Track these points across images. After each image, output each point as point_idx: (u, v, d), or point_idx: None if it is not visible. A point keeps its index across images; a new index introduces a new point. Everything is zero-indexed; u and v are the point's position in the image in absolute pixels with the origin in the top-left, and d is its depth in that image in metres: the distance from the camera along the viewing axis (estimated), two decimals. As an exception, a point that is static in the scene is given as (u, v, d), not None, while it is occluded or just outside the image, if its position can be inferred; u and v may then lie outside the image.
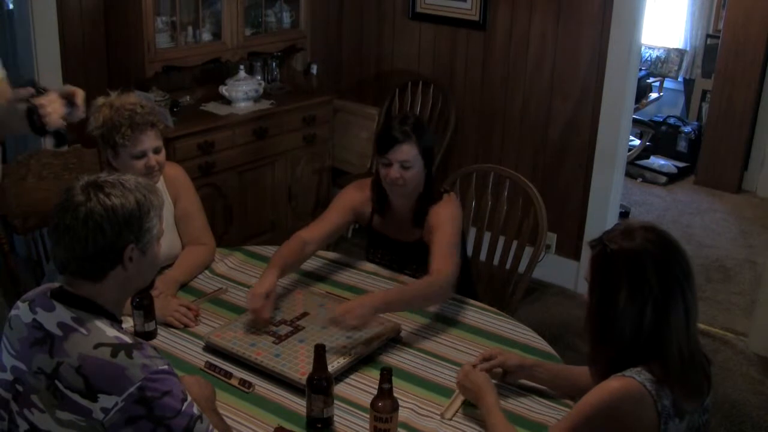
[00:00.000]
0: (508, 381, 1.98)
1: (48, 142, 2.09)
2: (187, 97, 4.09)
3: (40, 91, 1.98)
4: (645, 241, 1.57)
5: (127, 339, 1.49)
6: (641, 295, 1.54)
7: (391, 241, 2.60)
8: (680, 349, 1.55)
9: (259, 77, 4.30)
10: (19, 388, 1.52)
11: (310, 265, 2.61)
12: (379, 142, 2.47)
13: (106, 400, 1.41)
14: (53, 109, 1.97)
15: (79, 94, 2.06)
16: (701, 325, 3.84)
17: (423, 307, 2.33)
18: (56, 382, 1.45)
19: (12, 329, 1.57)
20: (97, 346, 1.46)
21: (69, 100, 2.03)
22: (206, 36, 3.98)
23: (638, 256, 1.55)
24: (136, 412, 1.42)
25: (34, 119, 1.94)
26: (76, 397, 1.43)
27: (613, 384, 1.52)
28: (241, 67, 4.13)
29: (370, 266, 2.63)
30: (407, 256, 2.58)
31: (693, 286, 1.58)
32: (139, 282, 1.63)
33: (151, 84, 3.83)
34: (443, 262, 2.30)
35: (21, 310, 1.57)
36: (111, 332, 1.49)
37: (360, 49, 4.72)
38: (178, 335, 2.19)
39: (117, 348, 1.45)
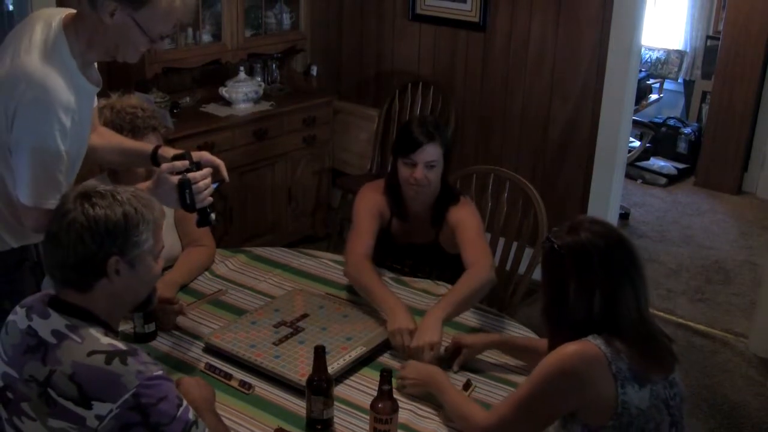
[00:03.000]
0: (469, 357, 2.07)
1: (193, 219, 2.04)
2: (187, 99, 4.09)
3: (194, 165, 1.93)
4: (590, 233, 1.63)
5: (122, 346, 1.48)
6: (589, 285, 1.61)
7: (405, 245, 2.60)
8: (634, 325, 1.62)
9: (259, 78, 4.31)
10: (9, 395, 1.51)
11: (309, 265, 2.61)
12: (402, 144, 2.46)
13: (100, 408, 1.40)
14: (205, 184, 1.93)
15: (223, 166, 2.03)
16: (701, 326, 3.84)
17: (478, 300, 2.33)
18: (49, 390, 1.44)
19: (7, 335, 1.56)
20: (90, 353, 1.44)
21: (215, 172, 1.99)
22: (206, 37, 3.98)
23: (583, 248, 1.62)
24: (131, 419, 1.41)
25: (186, 194, 1.89)
26: (69, 404, 1.42)
27: (569, 347, 1.59)
28: (241, 68, 4.13)
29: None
30: (422, 258, 2.60)
31: (641, 271, 1.65)
32: (131, 296, 1.61)
33: (151, 85, 3.83)
34: (478, 252, 2.34)
35: (18, 316, 1.56)
36: (105, 340, 1.48)
37: (360, 50, 4.72)
38: (178, 336, 2.19)
39: (111, 355, 1.44)
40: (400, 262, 2.63)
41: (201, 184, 1.92)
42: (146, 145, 2.15)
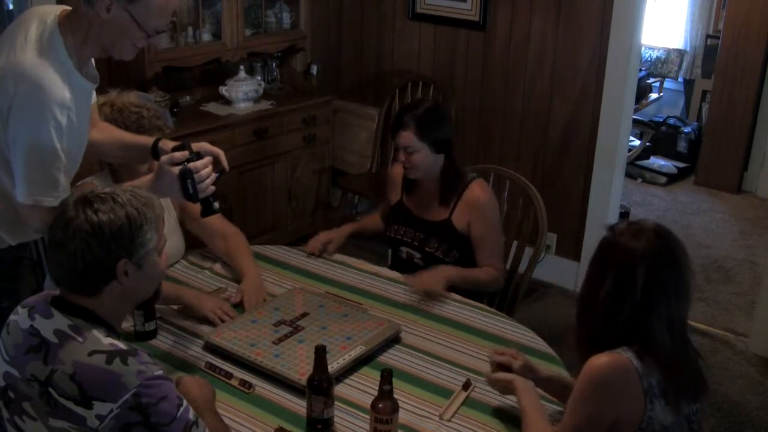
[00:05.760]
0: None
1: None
2: (187, 98, 4.09)
3: (194, 155, 1.92)
4: (648, 246, 1.57)
5: (123, 346, 1.48)
6: (621, 295, 1.57)
7: (415, 218, 2.70)
8: (665, 346, 1.57)
9: (259, 78, 4.30)
10: (11, 395, 1.51)
11: (309, 264, 2.62)
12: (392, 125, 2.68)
13: (101, 407, 1.41)
14: (207, 173, 1.92)
15: (222, 155, 2.02)
16: (701, 326, 3.84)
17: (479, 290, 2.63)
18: (50, 389, 1.44)
19: (9, 334, 1.56)
20: (92, 353, 1.45)
21: (215, 162, 1.98)
22: (206, 36, 3.98)
23: (633, 256, 1.57)
24: (131, 419, 1.41)
25: (188, 184, 1.88)
26: (70, 404, 1.42)
27: (602, 358, 1.56)
28: (241, 67, 4.13)
29: (372, 267, 2.63)
30: (430, 234, 2.65)
31: (684, 296, 1.59)
32: (139, 294, 1.62)
33: (151, 84, 3.83)
34: (497, 261, 2.63)
35: (20, 316, 1.56)
36: (106, 340, 1.48)
37: (360, 49, 4.72)
38: (178, 335, 2.19)
39: (112, 355, 1.44)
40: (410, 235, 2.70)
41: (203, 173, 1.91)
42: (147, 139, 2.14)
